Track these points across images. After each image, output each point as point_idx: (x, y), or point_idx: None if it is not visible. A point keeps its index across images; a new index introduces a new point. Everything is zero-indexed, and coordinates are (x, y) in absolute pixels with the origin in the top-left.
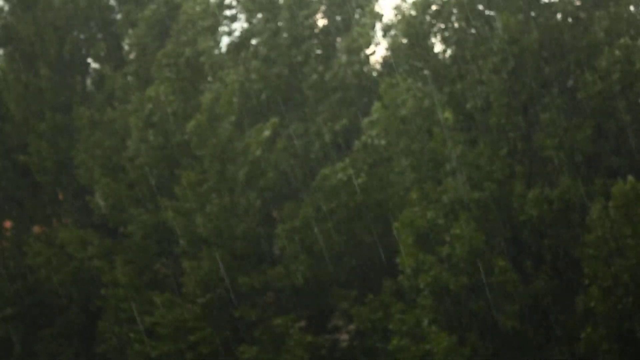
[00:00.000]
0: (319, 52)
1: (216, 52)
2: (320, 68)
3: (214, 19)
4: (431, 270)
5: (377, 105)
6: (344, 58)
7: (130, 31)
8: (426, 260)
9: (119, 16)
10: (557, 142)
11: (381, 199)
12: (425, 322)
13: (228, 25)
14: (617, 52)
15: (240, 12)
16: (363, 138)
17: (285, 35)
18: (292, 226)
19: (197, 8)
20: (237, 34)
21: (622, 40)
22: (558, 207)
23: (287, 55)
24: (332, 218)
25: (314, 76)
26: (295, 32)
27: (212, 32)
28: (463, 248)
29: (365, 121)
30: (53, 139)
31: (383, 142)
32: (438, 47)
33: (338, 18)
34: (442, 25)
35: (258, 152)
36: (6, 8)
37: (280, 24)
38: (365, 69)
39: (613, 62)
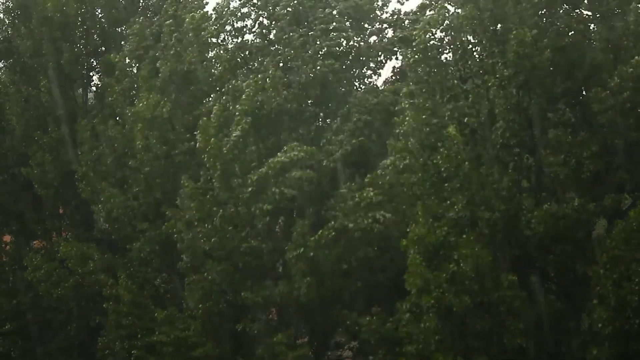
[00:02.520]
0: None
1: (218, 64)
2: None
3: (209, 31)
4: (434, 292)
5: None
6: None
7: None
8: (433, 279)
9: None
10: (563, 159)
11: (395, 219)
12: (433, 344)
13: (234, 36)
14: (629, 70)
15: (254, 23)
16: (389, 160)
17: (312, 47)
18: (303, 249)
19: (192, 22)
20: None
21: (636, 58)
22: (565, 224)
23: (312, 65)
24: (344, 238)
25: (347, 96)
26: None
27: (206, 46)
28: (470, 266)
29: (390, 142)
30: (56, 151)
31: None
32: (446, 61)
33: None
34: (451, 39)
35: (285, 159)
36: (6, 21)
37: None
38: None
39: (625, 79)
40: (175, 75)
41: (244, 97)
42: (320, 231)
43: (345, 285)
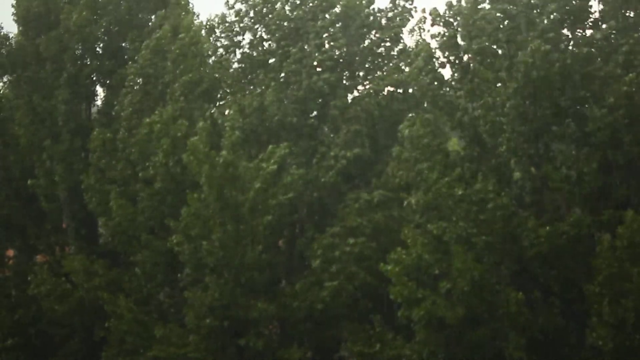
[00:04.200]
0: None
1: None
2: (339, 100)
3: (210, 45)
4: (424, 302)
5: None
6: (368, 90)
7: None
8: (420, 293)
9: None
10: (565, 175)
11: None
12: (425, 354)
13: (233, 49)
14: (624, 88)
15: (253, 37)
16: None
17: (308, 61)
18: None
19: (190, 36)
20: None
21: (630, 76)
22: (567, 240)
23: (308, 81)
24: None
25: (338, 103)
26: (319, 59)
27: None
28: (464, 282)
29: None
30: (64, 162)
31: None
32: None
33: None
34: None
35: (267, 179)
36: (11, 35)
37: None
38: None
39: (620, 96)
40: (177, 87)
41: (231, 112)
42: (353, 240)
43: (354, 300)
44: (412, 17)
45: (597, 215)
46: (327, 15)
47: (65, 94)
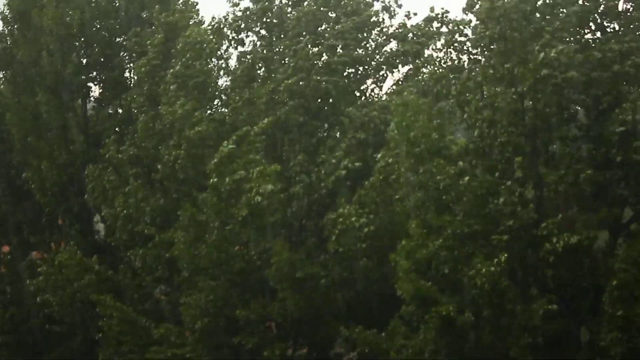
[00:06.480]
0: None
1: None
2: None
3: (215, 42)
4: (436, 306)
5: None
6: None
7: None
8: (429, 292)
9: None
10: (563, 174)
11: (385, 233)
12: (427, 353)
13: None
14: None
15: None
16: (373, 179)
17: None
18: (284, 260)
19: (198, 35)
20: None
21: None
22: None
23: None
24: (335, 256)
25: (352, 113)
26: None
27: (211, 57)
28: (485, 283)
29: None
30: (52, 158)
31: (391, 159)
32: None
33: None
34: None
35: (258, 199)
36: (5, 31)
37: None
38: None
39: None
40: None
41: (265, 121)
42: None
43: (335, 298)
44: (440, 39)
45: (595, 213)
46: (341, 17)
47: (47, 92)
